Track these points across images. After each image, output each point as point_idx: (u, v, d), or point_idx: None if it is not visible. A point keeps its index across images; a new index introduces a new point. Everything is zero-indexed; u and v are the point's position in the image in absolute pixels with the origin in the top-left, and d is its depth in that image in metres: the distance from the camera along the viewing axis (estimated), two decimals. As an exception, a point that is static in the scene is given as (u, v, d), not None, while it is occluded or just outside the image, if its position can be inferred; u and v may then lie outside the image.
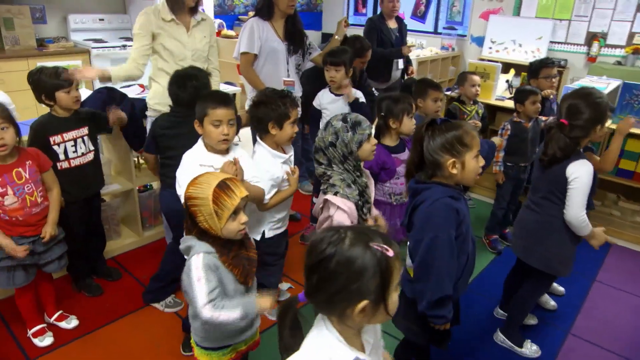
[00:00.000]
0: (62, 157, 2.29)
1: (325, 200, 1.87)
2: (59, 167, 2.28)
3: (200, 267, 1.42)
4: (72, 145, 2.31)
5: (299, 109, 2.22)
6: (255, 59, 2.94)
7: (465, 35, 6.41)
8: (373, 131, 1.98)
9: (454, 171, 1.49)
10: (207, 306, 1.41)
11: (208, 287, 1.42)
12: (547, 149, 1.99)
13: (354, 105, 2.76)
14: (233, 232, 1.46)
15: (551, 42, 5.64)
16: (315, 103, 2.89)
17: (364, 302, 0.92)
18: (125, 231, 3.12)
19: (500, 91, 4.00)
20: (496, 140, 2.93)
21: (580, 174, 1.90)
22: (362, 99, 2.84)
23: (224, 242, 1.48)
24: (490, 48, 5.92)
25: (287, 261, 2.61)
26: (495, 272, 2.94)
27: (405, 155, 2.37)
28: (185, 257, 1.50)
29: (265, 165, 2.01)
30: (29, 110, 4.51)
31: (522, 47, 5.74)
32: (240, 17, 6.64)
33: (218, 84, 2.87)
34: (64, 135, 2.28)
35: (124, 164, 2.95)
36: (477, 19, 6.18)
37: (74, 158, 2.33)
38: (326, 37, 7.40)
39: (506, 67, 5.29)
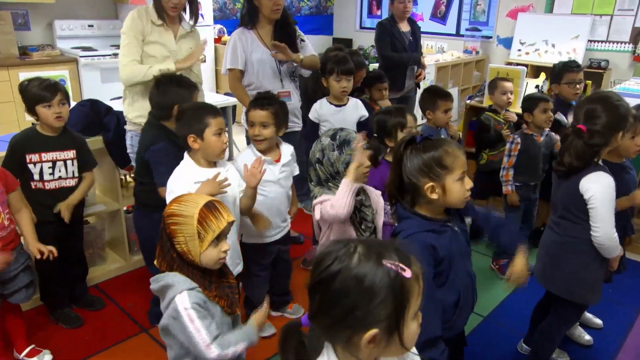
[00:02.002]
0: (36, 177, 2.36)
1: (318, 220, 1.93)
2: (32, 186, 2.35)
3: (188, 306, 1.44)
4: (49, 167, 2.37)
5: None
6: (242, 74, 3.01)
7: (490, 37, 6.47)
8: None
9: (434, 196, 1.48)
10: (213, 346, 1.44)
11: (205, 326, 1.44)
12: (563, 159, 1.99)
13: (362, 124, 2.80)
14: (212, 261, 1.49)
15: (590, 40, 5.63)
16: (312, 115, 2.94)
17: (373, 331, 0.88)
18: (111, 255, 3.19)
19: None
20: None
21: (595, 191, 1.90)
22: (365, 112, 2.89)
23: (203, 272, 1.51)
24: (519, 50, 5.97)
25: (291, 287, 2.68)
26: (518, 301, 2.92)
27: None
28: (160, 297, 1.51)
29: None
30: (9, 124, 4.68)
31: (555, 48, 5.77)
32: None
33: (204, 97, 2.93)
34: (42, 154, 2.35)
35: (110, 182, 3.03)
36: (504, 18, 6.24)
37: (49, 181, 2.38)
38: (338, 42, 7.50)
39: (536, 70, 5.33)
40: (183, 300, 1.44)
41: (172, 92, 2.29)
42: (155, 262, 1.56)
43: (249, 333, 1.55)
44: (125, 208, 3.08)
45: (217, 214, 1.48)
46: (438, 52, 6.47)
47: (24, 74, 4.78)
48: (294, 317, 2.57)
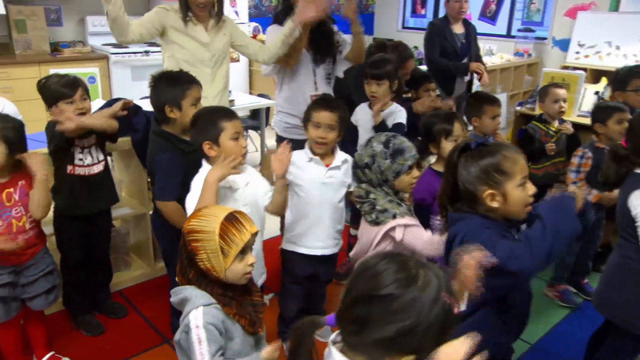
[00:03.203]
0: (77, 161, 2.44)
1: (386, 233, 1.91)
2: (68, 170, 2.43)
3: (200, 324, 1.44)
4: (79, 152, 2.45)
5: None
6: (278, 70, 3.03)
7: (545, 38, 6.33)
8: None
9: (494, 204, 1.48)
10: None
11: (211, 352, 1.43)
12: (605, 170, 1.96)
13: (380, 128, 2.78)
14: (238, 275, 1.49)
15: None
16: (353, 118, 2.93)
17: (411, 358, 0.93)
18: (135, 261, 3.25)
19: (587, 105, 3.90)
20: (576, 191, 2.60)
21: None
22: (401, 119, 2.85)
23: (225, 288, 1.51)
24: (578, 53, 5.80)
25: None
26: (571, 329, 2.84)
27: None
28: (180, 310, 1.52)
29: None
30: (40, 122, 4.81)
31: (619, 50, 5.56)
32: (277, 19, 6.85)
33: (224, 100, 2.97)
34: (76, 140, 2.42)
35: (137, 185, 3.09)
36: (561, 18, 6.10)
37: (79, 166, 2.46)
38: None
39: (596, 75, 5.17)
40: (197, 316, 1.45)
41: (161, 91, 2.30)
42: (177, 278, 1.57)
43: None
44: (151, 212, 3.12)
45: (240, 226, 1.48)
46: (486, 54, 6.35)
47: (54, 71, 4.92)
48: (323, 340, 2.55)
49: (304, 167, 2.27)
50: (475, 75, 4.12)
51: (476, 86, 5.37)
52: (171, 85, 2.30)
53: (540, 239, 1.41)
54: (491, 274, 1.39)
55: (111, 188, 2.66)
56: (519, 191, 1.48)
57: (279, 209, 2.12)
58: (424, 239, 1.88)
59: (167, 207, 2.22)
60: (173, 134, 2.31)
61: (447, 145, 2.32)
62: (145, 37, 2.78)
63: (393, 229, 1.90)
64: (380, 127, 2.75)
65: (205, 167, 2.02)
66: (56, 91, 2.33)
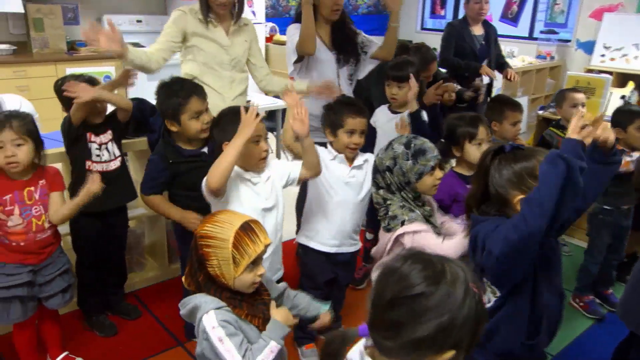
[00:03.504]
0: (94, 157, 2.47)
1: (397, 239, 1.93)
2: (87, 166, 2.46)
3: (215, 325, 1.46)
4: (96, 148, 2.48)
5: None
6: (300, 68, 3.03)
7: (569, 41, 6.27)
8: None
9: None
10: None
11: (236, 344, 1.45)
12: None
13: (415, 118, 2.77)
14: (246, 285, 1.51)
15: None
16: (372, 120, 2.92)
17: (451, 353, 0.94)
18: (149, 262, 3.27)
19: (612, 110, 3.85)
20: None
21: None
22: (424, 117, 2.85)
23: (233, 292, 1.52)
24: (603, 56, 5.72)
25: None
26: (594, 341, 2.80)
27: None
28: (191, 322, 1.54)
29: None
30: (56, 121, 4.86)
31: (647, 53, 5.50)
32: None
33: (278, 85, 2.98)
34: (93, 136, 2.46)
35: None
36: (586, 19, 6.04)
37: (97, 162, 2.49)
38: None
39: (623, 79, 5.11)
40: (210, 319, 1.47)
41: (160, 102, 2.35)
42: (183, 279, 1.59)
43: (273, 331, 1.53)
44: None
45: (254, 236, 1.49)
46: (507, 57, 6.30)
47: (71, 70, 4.99)
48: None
49: (327, 164, 2.29)
50: (493, 79, 4.09)
51: (497, 89, 5.34)
52: (169, 97, 2.30)
53: (532, 197, 1.37)
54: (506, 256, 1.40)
55: (128, 184, 2.69)
56: None
57: (314, 169, 2.15)
58: (431, 246, 1.87)
59: (149, 200, 2.38)
60: (170, 140, 2.35)
61: (471, 149, 2.32)
62: (169, 57, 2.77)
63: (402, 235, 1.93)
64: (415, 115, 2.73)
65: None
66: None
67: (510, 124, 2.76)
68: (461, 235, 1.86)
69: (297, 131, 2.01)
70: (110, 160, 2.54)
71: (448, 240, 1.88)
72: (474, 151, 2.29)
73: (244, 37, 2.84)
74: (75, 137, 2.43)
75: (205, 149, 2.40)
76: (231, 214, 1.57)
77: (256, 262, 1.49)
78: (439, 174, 1.94)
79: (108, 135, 2.51)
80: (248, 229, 1.49)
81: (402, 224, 1.91)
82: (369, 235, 3.22)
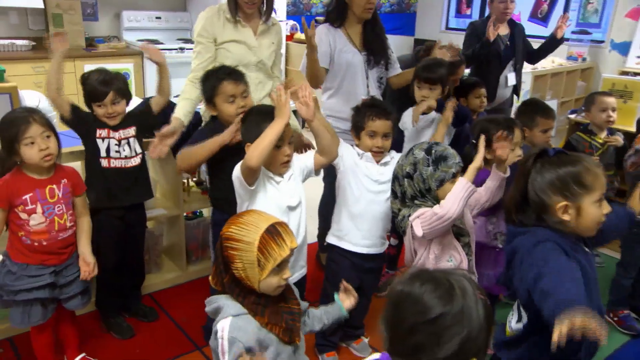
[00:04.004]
0: (103, 153, 2.48)
1: (413, 237, 1.96)
2: (100, 165, 2.47)
3: (226, 336, 1.47)
4: (115, 144, 2.49)
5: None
6: (325, 74, 3.01)
7: (602, 41, 6.18)
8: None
9: (566, 217, 1.46)
10: None
11: None
12: None
13: (459, 120, 2.75)
14: (271, 288, 1.51)
15: None
16: (400, 123, 2.90)
17: None
18: (167, 264, 3.29)
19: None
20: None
21: None
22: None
23: (258, 296, 1.52)
24: (639, 57, 5.65)
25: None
26: (629, 358, 2.77)
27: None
28: (214, 318, 1.56)
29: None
30: (71, 118, 4.96)
31: (689, 55, 5.41)
32: (317, 18, 6.88)
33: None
34: (111, 132, 2.47)
35: (172, 185, 3.13)
36: (621, 19, 5.94)
37: (115, 158, 2.51)
38: (419, 44, 7.44)
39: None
40: (224, 327, 1.48)
41: (201, 88, 2.45)
42: (210, 279, 1.61)
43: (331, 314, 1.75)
44: (185, 214, 3.16)
45: (280, 240, 1.49)
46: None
47: (89, 66, 5.05)
48: (359, 355, 2.65)
49: (357, 163, 2.31)
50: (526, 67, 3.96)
51: (524, 91, 5.29)
52: (204, 81, 2.39)
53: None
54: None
55: (147, 182, 2.70)
56: (594, 208, 1.45)
57: (328, 152, 2.17)
58: (441, 204, 1.86)
59: (185, 153, 2.34)
60: (216, 123, 2.40)
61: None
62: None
63: (412, 229, 1.94)
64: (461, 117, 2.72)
65: None
66: (88, 92, 2.43)
67: (540, 131, 2.70)
68: (456, 186, 1.84)
69: (303, 116, 2.02)
70: (131, 157, 2.55)
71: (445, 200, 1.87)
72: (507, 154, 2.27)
73: (271, 39, 2.83)
74: (84, 132, 2.47)
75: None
76: (257, 216, 1.57)
77: (282, 265, 1.49)
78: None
79: (131, 130, 2.53)
80: (274, 232, 1.49)
81: (408, 218, 1.94)
82: (393, 241, 3.21)
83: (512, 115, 4.46)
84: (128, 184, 2.57)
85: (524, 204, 1.55)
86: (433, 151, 1.94)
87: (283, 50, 6.44)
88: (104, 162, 2.50)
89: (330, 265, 2.49)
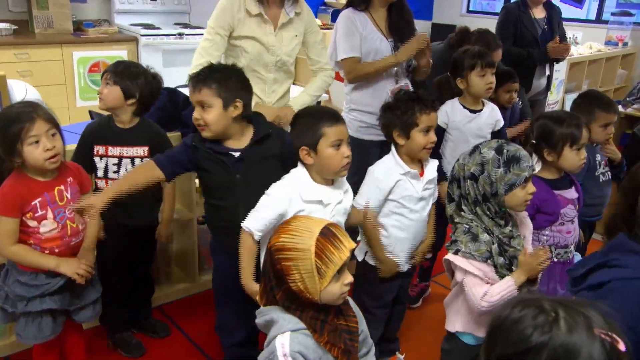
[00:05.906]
0: (100, 173, 2.48)
1: (448, 262, 1.97)
2: (96, 184, 2.47)
3: (287, 353, 1.46)
4: (114, 164, 2.47)
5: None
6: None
7: (647, 24, 6.19)
8: None
9: None
10: None
11: None
12: None
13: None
14: (334, 297, 1.51)
15: None
16: (440, 120, 2.76)
17: None
18: (177, 273, 3.30)
19: None
20: None
21: None
22: (500, 116, 2.88)
23: (317, 311, 1.52)
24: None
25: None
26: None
27: (572, 192, 2.35)
28: (265, 332, 1.56)
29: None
30: (63, 110, 4.95)
31: None
32: (327, 1, 6.91)
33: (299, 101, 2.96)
34: (109, 148, 2.46)
35: (184, 188, 3.12)
36: (669, -3, 5.96)
37: (113, 179, 2.47)
38: (437, 30, 7.44)
39: None
40: (284, 343, 1.47)
41: None
42: (257, 298, 1.62)
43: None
44: (197, 218, 3.16)
45: (337, 242, 1.49)
46: (571, 43, 6.25)
47: (79, 53, 5.07)
48: None
49: (400, 184, 2.30)
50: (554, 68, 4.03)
51: (558, 81, 5.29)
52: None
53: None
54: None
55: (150, 205, 2.67)
56: None
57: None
58: (470, 296, 1.92)
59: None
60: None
61: (570, 154, 2.25)
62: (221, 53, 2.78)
63: (454, 265, 1.97)
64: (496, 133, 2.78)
65: (300, 171, 2.05)
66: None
67: (600, 126, 2.69)
68: (506, 280, 1.89)
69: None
70: None
71: (491, 288, 1.90)
72: (573, 157, 2.24)
73: (294, 32, 2.83)
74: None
75: (236, 154, 2.20)
76: (306, 220, 1.57)
77: (342, 270, 1.49)
78: (531, 188, 1.89)
79: (141, 150, 2.50)
80: (329, 234, 1.49)
81: (456, 253, 1.93)
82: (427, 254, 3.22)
83: (546, 107, 4.49)
84: (124, 205, 2.41)
85: (632, 220, 1.48)
86: (505, 151, 1.89)
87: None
88: (101, 183, 2.48)
89: (371, 281, 2.47)
